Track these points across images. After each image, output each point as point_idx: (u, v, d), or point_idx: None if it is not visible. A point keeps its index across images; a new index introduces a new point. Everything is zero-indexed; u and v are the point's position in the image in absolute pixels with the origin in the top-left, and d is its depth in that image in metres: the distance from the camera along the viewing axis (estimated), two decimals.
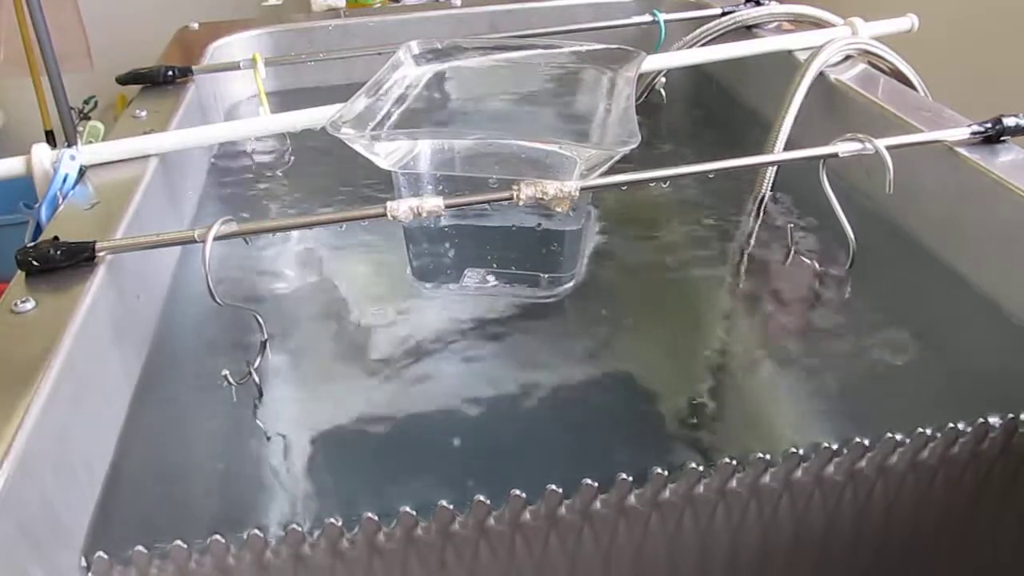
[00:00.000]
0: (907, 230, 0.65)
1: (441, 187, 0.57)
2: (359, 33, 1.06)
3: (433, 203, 0.51)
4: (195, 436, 0.49)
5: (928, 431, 0.44)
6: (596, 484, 0.41)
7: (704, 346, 0.56)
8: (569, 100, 0.63)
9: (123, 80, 0.86)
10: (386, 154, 0.55)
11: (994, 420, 0.45)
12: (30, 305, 0.47)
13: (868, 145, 0.57)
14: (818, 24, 0.87)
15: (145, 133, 0.69)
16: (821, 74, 0.76)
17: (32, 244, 0.51)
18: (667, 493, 0.43)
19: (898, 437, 0.44)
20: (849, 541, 0.48)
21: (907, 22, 0.84)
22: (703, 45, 0.89)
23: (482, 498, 0.41)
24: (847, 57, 0.80)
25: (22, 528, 0.36)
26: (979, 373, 0.52)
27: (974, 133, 0.61)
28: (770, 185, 0.71)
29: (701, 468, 0.43)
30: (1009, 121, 0.61)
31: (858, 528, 0.47)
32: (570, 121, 0.61)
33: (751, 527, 0.45)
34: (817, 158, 0.58)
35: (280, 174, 0.83)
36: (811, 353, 0.55)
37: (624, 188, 0.56)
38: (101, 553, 0.39)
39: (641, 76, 0.77)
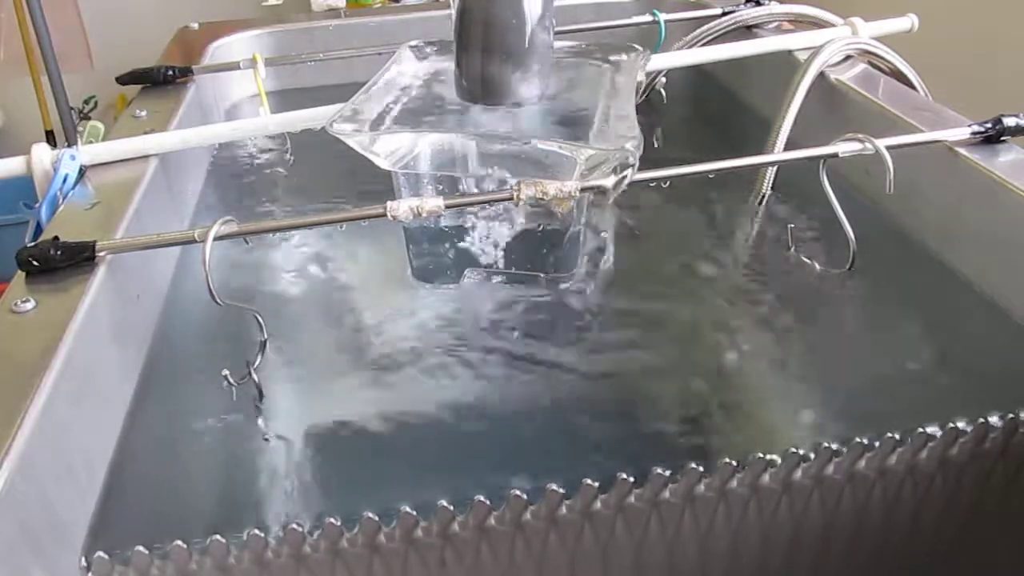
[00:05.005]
0: (907, 230, 0.65)
1: (441, 187, 0.57)
2: (359, 33, 1.05)
3: (433, 203, 0.51)
4: (195, 436, 0.49)
5: (928, 431, 0.44)
6: (596, 484, 0.41)
7: (703, 345, 0.56)
8: (570, 99, 0.63)
9: (123, 80, 0.86)
10: (386, 154, 0.55)
11: (994, 420, 0.45)
12: (30, 305, 0.47)
13: (868, 145, 0.57)
14: (818, 24, 0.87)
15: (145, 133, 0.69)
16: (821, 74, 0.76)
17: (32, 244, 0.51)
18: (667, 493, 0.43)
19: (898, 437, 0.44)
20: (849, 541, 0.48)
21: (907, 22, 0.84)
22: (703, 45, 0.89)
23: (482, 498, 0.41)
24: (847, 57, 0.80)
25: (22, 528, 0.36)
26: (979, 373, 0.52)
27: (974, 133, 0.61)
28: (770, 185, 0.71)
29: (701, 468, 0.43)
30: (1009, 121, 0.61)
31: (858, 527, 0.47)
32: (570, 121, 0.61)
33: (751, 527, 0.45)
34: (817, 158, 0.58)
35: (281, 173, 0.83)
36: (811, 353, 0.55)
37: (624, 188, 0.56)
38: (101, 553, 0.39)
39: None
